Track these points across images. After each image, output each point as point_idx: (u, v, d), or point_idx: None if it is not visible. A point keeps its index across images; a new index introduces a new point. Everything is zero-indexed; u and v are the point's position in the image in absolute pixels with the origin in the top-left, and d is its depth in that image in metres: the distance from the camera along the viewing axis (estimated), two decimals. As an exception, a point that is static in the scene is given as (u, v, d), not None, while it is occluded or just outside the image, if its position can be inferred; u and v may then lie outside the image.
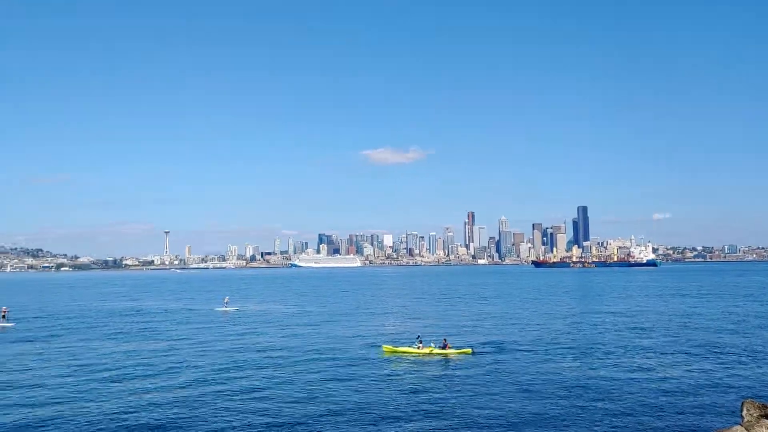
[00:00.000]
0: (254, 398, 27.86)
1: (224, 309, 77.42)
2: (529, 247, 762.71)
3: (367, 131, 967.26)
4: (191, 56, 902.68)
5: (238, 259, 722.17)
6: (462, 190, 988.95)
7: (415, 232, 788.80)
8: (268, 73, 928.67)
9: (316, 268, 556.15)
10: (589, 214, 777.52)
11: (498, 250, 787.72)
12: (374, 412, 25.66)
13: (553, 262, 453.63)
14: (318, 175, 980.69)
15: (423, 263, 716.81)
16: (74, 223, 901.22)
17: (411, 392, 29.24)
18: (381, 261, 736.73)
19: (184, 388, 29.96)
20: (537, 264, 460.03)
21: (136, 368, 35.56)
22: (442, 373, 34.31)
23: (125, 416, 24.82)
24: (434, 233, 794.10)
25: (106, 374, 33.70)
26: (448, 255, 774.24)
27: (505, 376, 32.63)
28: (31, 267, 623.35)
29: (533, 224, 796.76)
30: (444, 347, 39.86)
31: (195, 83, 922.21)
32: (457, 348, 40.35)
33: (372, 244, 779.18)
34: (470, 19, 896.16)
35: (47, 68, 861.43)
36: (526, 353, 40.12)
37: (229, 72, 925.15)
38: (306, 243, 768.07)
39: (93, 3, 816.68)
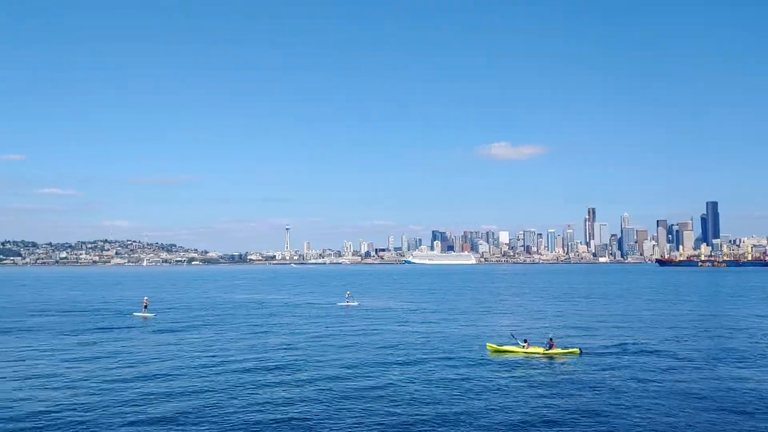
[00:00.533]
0: (373, 396, 28.44)
1: (346, 304, 79.55)
2: (653, 245, 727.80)
3: (484, 126, 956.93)
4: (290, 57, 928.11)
5: (353, 255, 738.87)
6: (582, 186, 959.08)
7: (533, 229, 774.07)
8: (386, 74, 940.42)
9: (430, 264, 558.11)
10: (719, 210, 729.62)
11: (620, 248, 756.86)
12: (485, 414, 25.51)
13: (679, 261, 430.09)
14: (432, 171, 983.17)
15: (541, 261, 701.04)
16: (199, 220, 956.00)
17: (517, 393, 28.83)
18: (497, 258, 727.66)
19: (308, 383, 31.05)
20: (662, 262, 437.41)
21: (262, 361, 37.24)
22: (547, 373, 33.71)
23: (254, 410, 26.03)
24: (553, 230, 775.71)
25: (235, 366, 35.56)
26: (567, 253, 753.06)
27: (614, 380, 31.16)
28: (165, 261, 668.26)
29: (657, 221, 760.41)
30: (550, 347, 38.98)
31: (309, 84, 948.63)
32: (563, 348, 39.44)
33: (487, 242, 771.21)
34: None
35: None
36: (643, 356, 38.22)
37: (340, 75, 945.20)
38: (419, 240, 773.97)
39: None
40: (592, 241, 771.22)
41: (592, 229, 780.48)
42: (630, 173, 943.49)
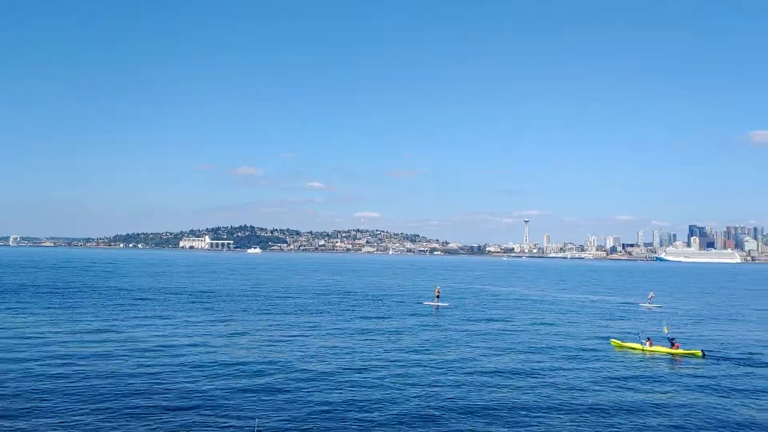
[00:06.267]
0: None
1: (648, 305, 74.73)
2: None
3: (752, 108, 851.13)
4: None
5: (597, 249, 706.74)
6: None
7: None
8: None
9: (686, 263, 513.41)
10: None
11: None
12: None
13: None
14: (690, 159, 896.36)
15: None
16: (441, 212, 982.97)
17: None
18: (766, 257, 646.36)
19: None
20: None
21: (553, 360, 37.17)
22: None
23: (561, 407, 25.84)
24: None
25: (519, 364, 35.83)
26: None
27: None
28: (409, 251, 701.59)
29: None
30: (672, 346, 39.77)
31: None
32: (686, 348, 39.90)
33: (755, 238, 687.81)
34: None
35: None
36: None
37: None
38: (674, 235, 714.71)
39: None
40: None
41: None
42: None
